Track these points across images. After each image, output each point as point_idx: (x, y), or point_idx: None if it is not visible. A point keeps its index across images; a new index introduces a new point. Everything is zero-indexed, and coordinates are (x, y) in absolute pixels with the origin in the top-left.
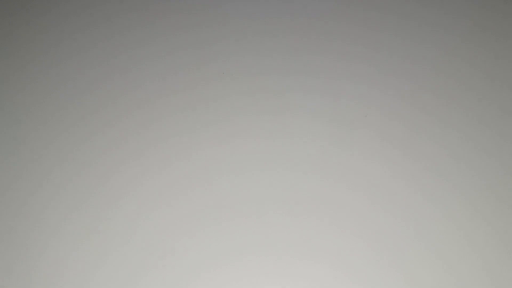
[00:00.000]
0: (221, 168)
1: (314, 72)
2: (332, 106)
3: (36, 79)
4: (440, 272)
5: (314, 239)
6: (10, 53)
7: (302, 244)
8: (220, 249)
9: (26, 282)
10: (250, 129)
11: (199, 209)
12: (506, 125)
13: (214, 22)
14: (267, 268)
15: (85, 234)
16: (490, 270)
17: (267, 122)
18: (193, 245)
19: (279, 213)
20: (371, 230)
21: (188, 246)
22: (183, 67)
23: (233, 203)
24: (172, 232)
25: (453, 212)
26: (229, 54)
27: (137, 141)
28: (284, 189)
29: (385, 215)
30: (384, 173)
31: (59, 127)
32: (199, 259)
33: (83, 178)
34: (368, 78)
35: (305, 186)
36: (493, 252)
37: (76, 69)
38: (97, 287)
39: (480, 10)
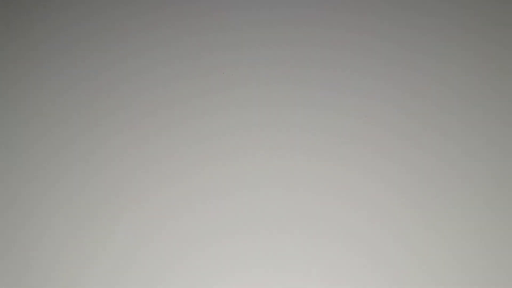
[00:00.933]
0: (225, 181)
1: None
2: (332, 116)
3: (44, 84)
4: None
5: (318, 252)
6: (15, 58)
7: (304, 257)
8: (224, 261)
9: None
10: (251, 139)
11: (205, 221)
12: (506, 134)
13: (220, 28)
14: (273, 280)
15: (93, 244)
16: (482, 282)
17: (269, 133)
18: (200, 256)
19: (283, 227)
20: (374, 249)
21: (195, 257)
22: (186, 75)
23: (238, 216)
24: (177, 244)
25: (452, 220)
26: (231, 61)
27: (146, 151)
28: (287, 202)
29: (387, 234)
30: (385, 192)
31: (65, 135)
32: (206, 270)
33: (90, 188)
34: (367, 88)
35: (306, 199)
36: (488, 265)
37: (82, 77)
38: None
39: (479, 15)
